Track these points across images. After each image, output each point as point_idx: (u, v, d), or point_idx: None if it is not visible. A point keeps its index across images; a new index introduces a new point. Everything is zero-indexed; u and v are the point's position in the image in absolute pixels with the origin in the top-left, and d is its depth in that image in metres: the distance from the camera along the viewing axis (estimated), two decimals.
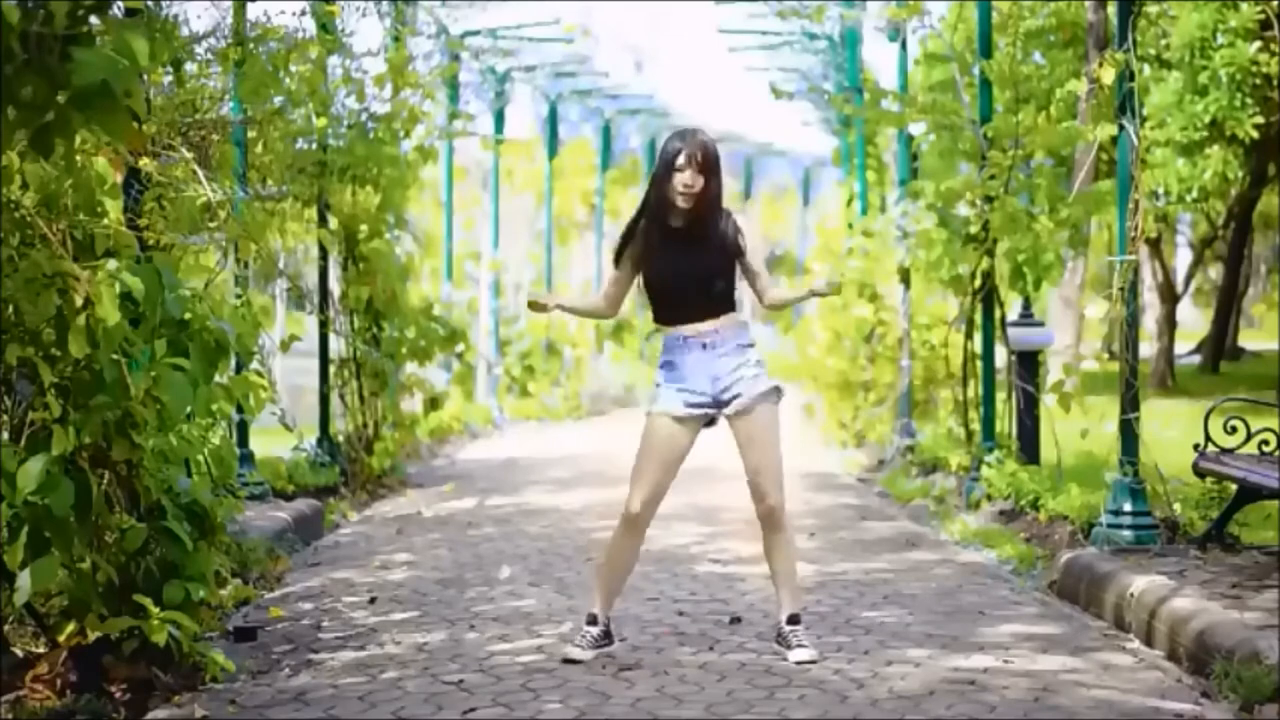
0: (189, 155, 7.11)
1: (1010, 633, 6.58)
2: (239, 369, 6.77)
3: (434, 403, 15.59)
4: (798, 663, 5.93)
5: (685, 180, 5.96)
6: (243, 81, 8.75)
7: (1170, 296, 25.10)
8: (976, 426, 11.26)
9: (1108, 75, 8.25)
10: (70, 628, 5.44)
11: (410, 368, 14.15)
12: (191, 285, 5.98)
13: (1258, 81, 16.63)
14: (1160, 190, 17.21)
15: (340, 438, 12.30)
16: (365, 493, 12.01)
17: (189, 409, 5.64)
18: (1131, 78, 8.17)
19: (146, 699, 5.40)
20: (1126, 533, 7.90)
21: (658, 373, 6.13)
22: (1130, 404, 8.13)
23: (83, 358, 5.14)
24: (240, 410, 6.80)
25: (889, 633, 6.54)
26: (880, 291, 16.00)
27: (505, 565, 8.40)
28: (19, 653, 5.59)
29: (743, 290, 6.29)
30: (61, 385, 5.24)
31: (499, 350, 21.84)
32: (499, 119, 21.27)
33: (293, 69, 9.71)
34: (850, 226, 17.40)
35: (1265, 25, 16.08)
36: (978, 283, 11.09)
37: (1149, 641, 6.39)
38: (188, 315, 5.58)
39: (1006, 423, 11.12)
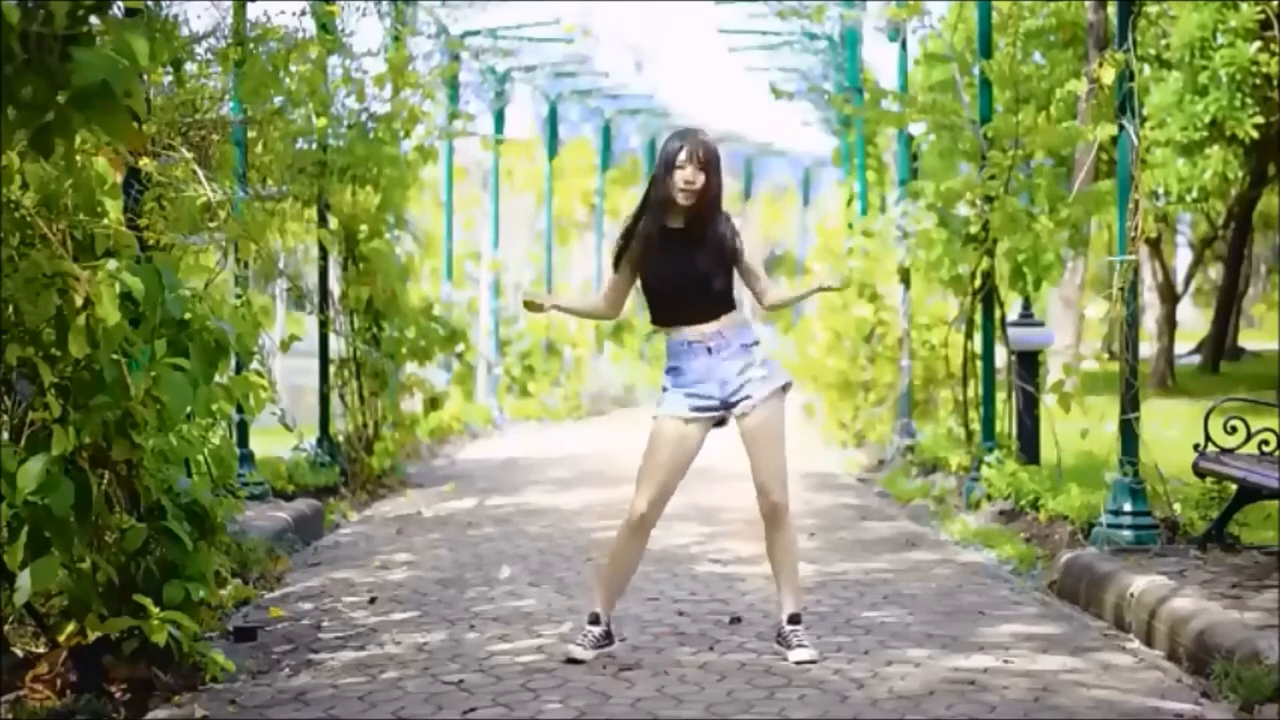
0: (189, 155, 7.11)
1: (1010, 633, 6.58)
2: (239, 369, 6.77)
3: (434, 403, 15.59)
4: (798, 663, 5.93)
5: (686, 176, 5.96)
6: (243, 81, 8.74)
7: (1170, 296, 25.10)
8: (976, 426, 11.26)
9: (1108, 75, 8.25)
10: (70, 628, 5.44)
11: (410, 368, 14.15)
12: (191, 285, 5.99)
13: (1258, 81, 16.63)
14: (1160, 190, 17.21)
15: (340, 438, 12.30)
16: (365, 493, 12.01)
17: (189, 409, 5.64)
18: (1131, 78, 8.17)
19: (146, 699, 5.40)
20: (1126, 533, 7.90)
21: (664, 377, 6.12)
22: (1130, 404, 8.13)
23: (83, 358, 5.14)
24: (240, 410, 6.80)
25: (889, 633, 6.54)
26: (880, 291, 16.01)
27: (505, 565, 8.40)
28: (19, 653, 5.59)
29: (742, 290, 6.29)
30: (61, 385, 5.24)
31: (499, 350, 21.84)
32: (499, 119, 21.27)
33: (293, 69, 9.71)
34: (850, 226, 17.40)
35: (1265, 25, 16.08)
36: (978, 283, 11.09)
37: (1149, 641, 6.39)
38: (188, 315, 5.58)
39: (1006, 423, 11.12)
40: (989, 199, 10.82)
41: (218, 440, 6.77)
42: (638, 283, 6.19)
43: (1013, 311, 11.49)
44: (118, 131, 4.28)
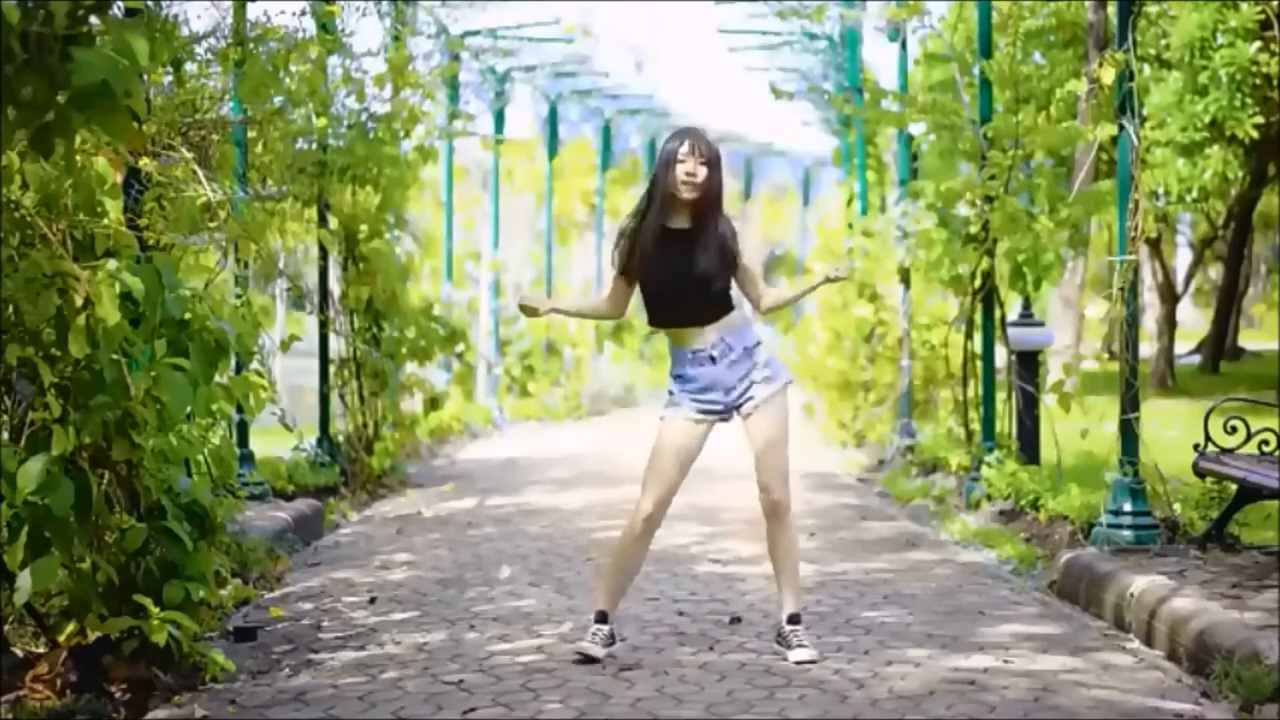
0: (189, 155, 7.11)
1: (1010, 633, 6.58)
2: (239, 369, 6.77)
3: (434, 403, 15.60)
4: (798, 663, 5.93)
5: (688, 169, 5.96)
6: (243, 81, 8.74)
7: (1170, 296, 25.10)
8: (976, 426, 11.26)
9: (1108, 75, 8.25)
10: (70, 628, 5.44)
11: (410, 368, 14.15)
12: (191, 285, 5.99)
13: (1258, 81, 16.63)
14: (1160, 190, 17.21)
15: (340, 438, 12.30)
16: (365, 493, 12.01)
17: (189, 409, 5.64)
18: (1131, 78, 8.17)
19: (146, 699, 5.40)
20: (1126, 533, 7.90)
21: (671, 381, 6.12)
22: (1130, 404, 8.13)
23: (83, 358, 5.14)
24: (240, 410, 6.81)
25: (889, 633, 6.54)
26: (880, 291, 16.01)
27: (505, 565, 8.40)
28: (19, 653, 5.59)
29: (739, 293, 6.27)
30: (61, 385, 5.24)
31: (499, 350, 21.84)
32: (499, 119, 21.27)
33: (293, 69, 9.71)
34: (850, 226, 17.40)
35: (1265, 25, 16.08)
36: (978, 283, 11.09)
37: (1149, 641, 6.39)
38: (188, 315, 5.58)
39: (1006, 423, 11.12)
40: (989, 199, 10.82)
41: (218, 440, 6.77)
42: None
43: (1013, 311, 11.49)
44: (118, 131, 4.28)
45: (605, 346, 26.34)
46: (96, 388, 5.23)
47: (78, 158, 5.31)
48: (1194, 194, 17.20)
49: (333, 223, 12.07)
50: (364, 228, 12.31)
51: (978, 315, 11.19)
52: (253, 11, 8.81)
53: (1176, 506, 8.20)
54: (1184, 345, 28.97)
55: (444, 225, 20.78)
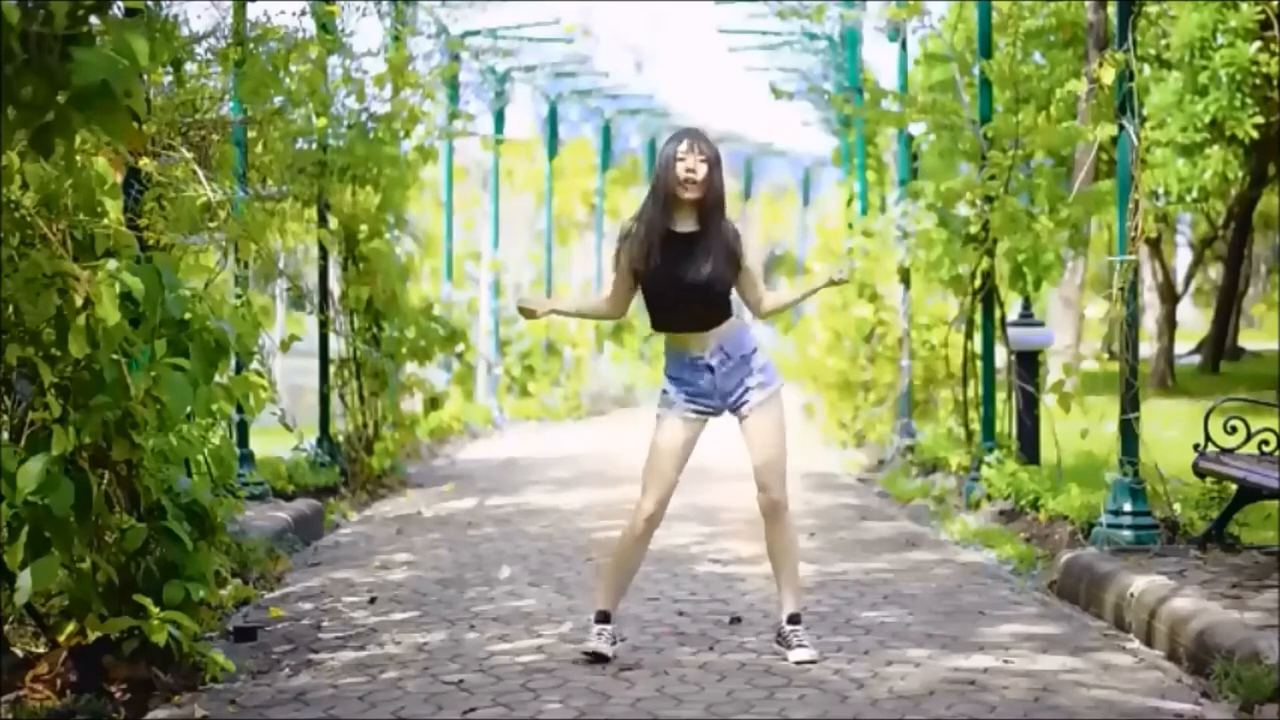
0: (189, 155, 7.11)
1: (1010, 633, 6.58)
2: (239, 369, 6.77)
3: (434, 403, 15.59)
4: (798, 663, 5.93)
5: (688, 165, 5.94)
6: (243, 81, 8.74)
7: (1170, 296, 25.10)
8: (976, 426, 11.26)
9: (1108, 75, 8.25)
10: (70, 628, 5.45)
11: (410, 368, 14.15)
12: (191, 285, 5.99)
13: (1258, 81, 16.63)
14: (1160, 190, 17.21)
15: (340, 438, 12.30)
16: (365, 493, 12.01)
17: (189, 409, 5.64)
18: (1131, 78, 8.17)
19: (146, 699, 5.40)
20: (1126, 533, 7.90)
21: (666, 381, 6.12)
22: (1130, 404, 8.13)
23: (83, 358, 5.14)
24: (240, 410, 6.81)
25: (889, 633, 6.54)
26: (880, 291, 16.00)
27: (505, 565, 8.40)
28: (19, 653, 5.59)
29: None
30: (61, 385, 5.24)
31: (499, 350, 21.84)
32: (499, 119, 21.27)
33: (293, 69, 9.71)
34: (850, 226, 17.39)
35: (1265, 25, 16.08)
36: (978, 283, 11.09)
37: (1149, 641, 6.39)
38: (188, 315, 5.58)
39: (1006, 423, 11.12)
40: (989, 199, 10.82)
41: (218, 440, 6.77)
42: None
43: (1013, 311, 11.49)
44: (118, 131, 4.28)
45: (605, 346, 26.34)
46: (96, 388, 5.23)
47: (78, 158, 5.31)
48: (1194, 194, 17.20)
49: (333, 223, 12.07)
50: (364, 228, 12.31)
51: (978, 315, 11.19)
52: (253, 11, 8.82)
53: (1176, 506, 8.20)
54: (1184, 345, 28.98)
55: (444, 225, 20.78)
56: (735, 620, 6.80)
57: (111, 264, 5.14)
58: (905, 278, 14.61)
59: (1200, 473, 7.95)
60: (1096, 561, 7.46)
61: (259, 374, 6.32)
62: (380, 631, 6.63)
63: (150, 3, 6.08)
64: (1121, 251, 8.28)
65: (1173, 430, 13.05)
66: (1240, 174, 17.85)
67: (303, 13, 9.73)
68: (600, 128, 27.29)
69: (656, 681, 5.70)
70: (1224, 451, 7.85)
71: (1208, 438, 7.92)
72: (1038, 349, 11.21)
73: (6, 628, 5.53)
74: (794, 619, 6.08)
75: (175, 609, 5.49)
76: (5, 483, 4.96)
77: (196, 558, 5.68)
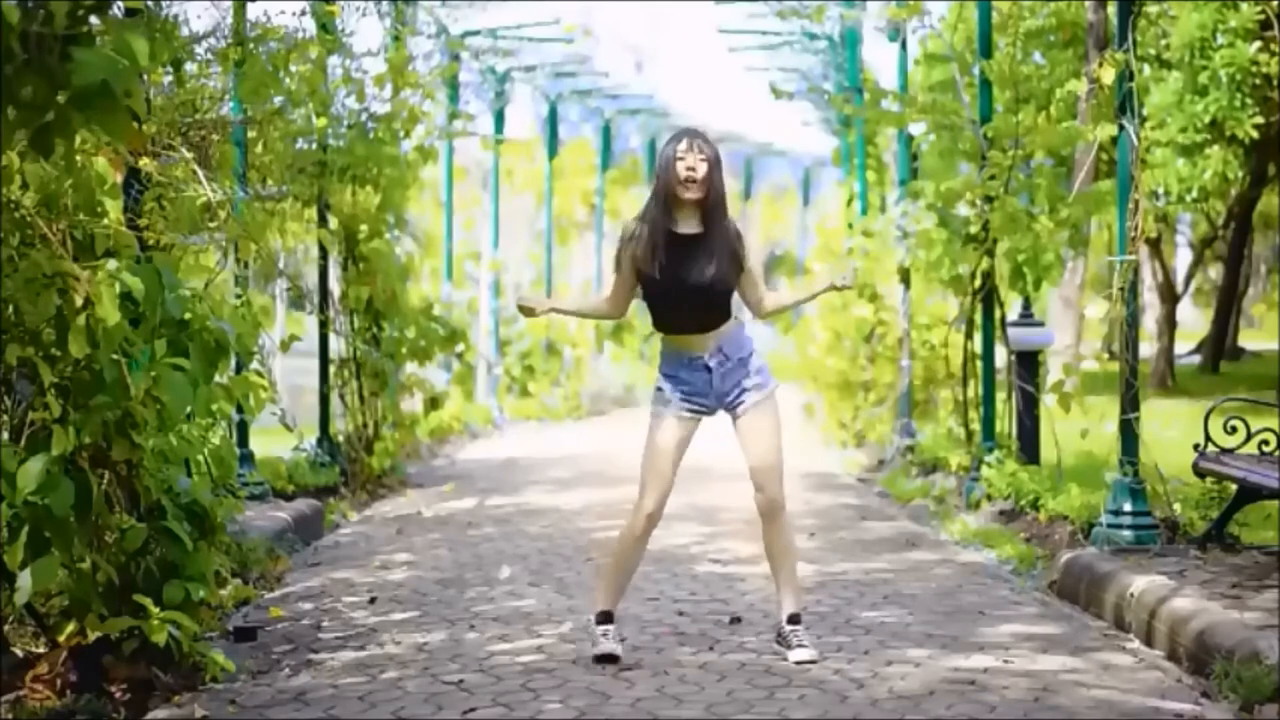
0: (189, 155, 7.11)
1: (1010, 633, 6.58)
2: (239, 369, 6.77)
3: (434, 403, 15.59)
4: (798, 663, 5.93)
5: (688, 164, 5.94)
6: (243, 81, 8.74)
7: (1170, 296, 25.10)
8: (976, 426, 11.26)
9: (1108, 75, 8.25)
10: (70, 628, 5.44)
11: (410, 368, 14.15)
12: (191, 285, 5.99)
13: (1258, 81, 16.63)
14: (1160, 190, 17.20)
15: (340, 438, 12.30)
16: (365, 493, 12.01)
17: (189, 409, 5.64)
18: (1131, 78, 8.17)
19: (146, 699, 5.40)
20: (1126, 533, 7.90)
21: (661, 378, 6.11)
22: (1130, 404, 8.13)
23: (83, 358, 5.14)
24: (240, 410, 6.81)
25: (889, 633, 6.54)
26: (880, 291, 16.00)
27: (505, 565, 8.40)
28: (19, 653, 5.59)
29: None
30: (61, 385, 5.24)
31: (499, 350, 21.84)
32: (499, 119, 21.27)
33: (293, 69, 9.71)
34: (850, 226, 17.40)
35: (1265, 25, 16.08)
36: (978, 283, 11.09)
37: (1149, 641, 6.39)
38: (188, 315, 5.58)
39: (1006, 423, 11.12)
40: (989, 199, 10.82)
41: (218, 440, 6.77)
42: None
43: (1013, 311, 11.49)
44: (118, 131, 4.28)
45: (605, 346, 26.34)
46: (96, 388, 5.23)
47: (78, 158, 5.31)
48: (1194, 194, 17.20)
49: (333, 223, 12.07)
50: (364, 228, 12.31)
51: (978, 315, 11.19)
52: (253, 11, 8.82)
53: (1176, 506, 8.20)
54: (1184, 345, 28.97)
55: (444, 225, 20.78)
56: (735, 620, 6.80)
57: (111, 264, 5.14)
58: (905, 278, 14.61)
59: (1200, 473, 7.95)
60: (1096, 561, 7.46)
61: (259, 374, 6.32)
62: (380, 631, 6.63)
63: (150, 3, 6.08)
64: (1121, 251, 8.28)
65: (1173, 430, 13.05)
66: (1240, 174, 17.85)
67: (303, 13, 9.73)
68: (600, 128, 27.30)
69: (656, 681, 5.70)
70: (1224, 451, 7.85)
71: (1208, 438, 7.92)
72: (1038, 349, 11.22)
73: (6, 628, 5.53)
74: (794, 619, 6.08)
75: (175, 609, 5.49)
76: (5, 483, 4.96)
77: (196, 558, 5.68)
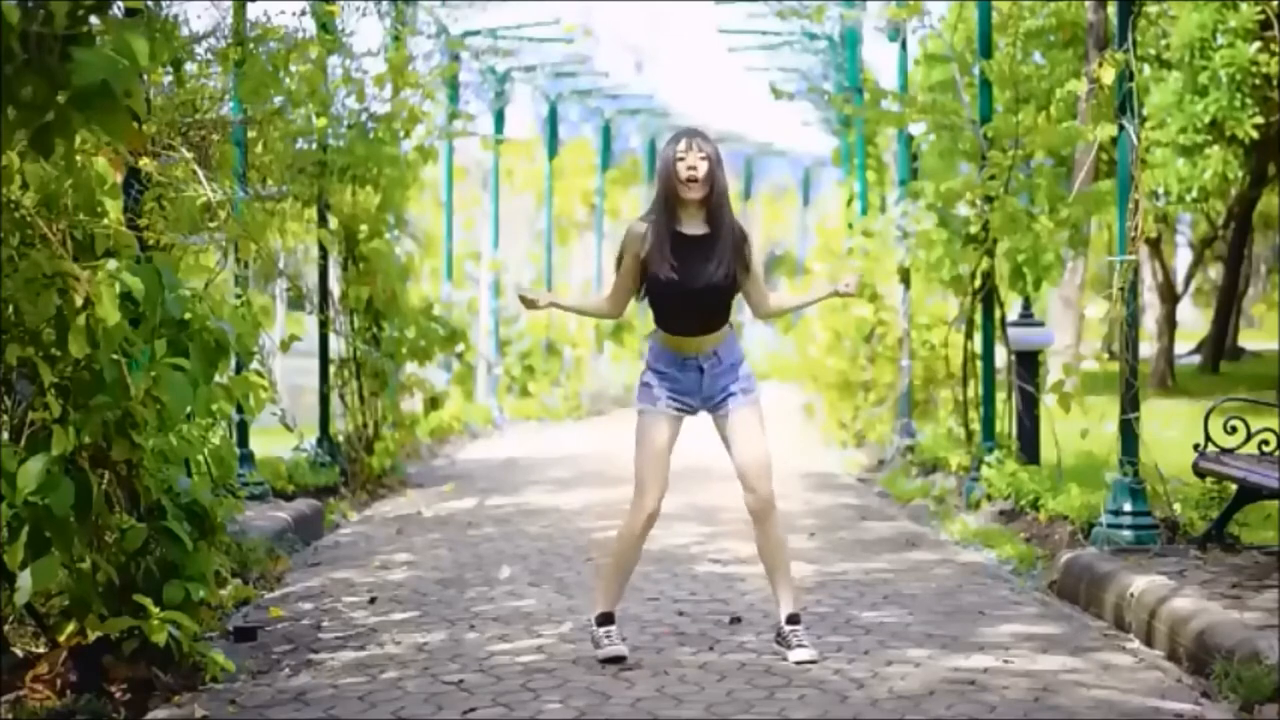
0: (189, 155, 7.11)
1: (1010, 633, 6.58)
2: (239, 369, 6.77)
3: (434, 403, 15.59)
4: (798, 663, 5.93)
5: (689, 163, 5.93)
6: (243, 81, 8.75)
7: (1170, 296, 25.09)
8: (976, 426, 11.26)
9: (1108, 75, 8.25)
10: (70, 628, 5.45)
11: (410, 368, 14.15)
12: (191, 285, 5.99)
13: (1258, 82, 16.63)
14: (1160, 190, 17.20)
15: (340, 438, 12.31)
16: (365, 493, 12.01)
17: (189, 409, 5.64)
18: (1131, 78, 8.17)
19: (146, 699, 5.40)
20: (1126, 533, 7.90)
21: (649, 374, 6.10)
22: (1130, 404, 8.13)
23: (83, 358, 5.15)
24: (240, 410, 6.81)
25: (889, 633, 6.54)
26: (880, 291, 16.00)
27: (505, 565, 8.40)
28: (19, 653, 5.59)
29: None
30: (61, 385, 5.24)
31: (499, 350, 21.84)
32: (499, 119, 21.26)
33: (293, 69, 9.71)
34: (850, 226, 17.40)
35: (1265, 25, 16.08)
36: (978, 283, 11.09)
37: (1149, 641, 6.39)
38: (188, 315, 5.58)
39: (1006, 423, 11.12)
40: (989, 199, 10.82)
41: (218, 440, 6.77)
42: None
43: (1013, 311, 11.49)
44: (118, 131, 4.28)
45: (605, 346, 26.34)
46: (96, 388, 5.23)
47: (78, 158, 5.31)
48: (1194, 194, 17.20)
49: (333, 223, 12.07)
50: (364, 228, 12.31)
51: (978, 315, 11.19)
52: (253, 11, 8.82)
53: (1176, 506, 8.20)
54: (1184, 345, 28.97)
55: (444, 225, 20.78)
56: (735, 620, 6.80)
57: (111, 264, 5.14)
58: (905, 278, 14.61)
59: (1200, 473, 7.95)
60: (1096, 561, 7.46)
61: (259, 374, 6.32)
62: (380, 631, 6.63)
63: (150, 3, 6.08)
64: (1121, 251, 8.28)
65: (1173, 430, 13.05)
66: (1240, 174, 17.84)
67: (303, 13, 9.73)
68: (600, 128, 27.29)
69: (656, 681, 5.70)
70: (1224, 451, 7.85)
71: (1208, 438, 7.92)
72: (1038, 349, 11.22)
73: (6, 628, 5.53)
74: (793, 619, 6.08)
75: (175, 609, 5.49)
76: (5, 483, 4.96)
77: (196, 558, 5.68)
